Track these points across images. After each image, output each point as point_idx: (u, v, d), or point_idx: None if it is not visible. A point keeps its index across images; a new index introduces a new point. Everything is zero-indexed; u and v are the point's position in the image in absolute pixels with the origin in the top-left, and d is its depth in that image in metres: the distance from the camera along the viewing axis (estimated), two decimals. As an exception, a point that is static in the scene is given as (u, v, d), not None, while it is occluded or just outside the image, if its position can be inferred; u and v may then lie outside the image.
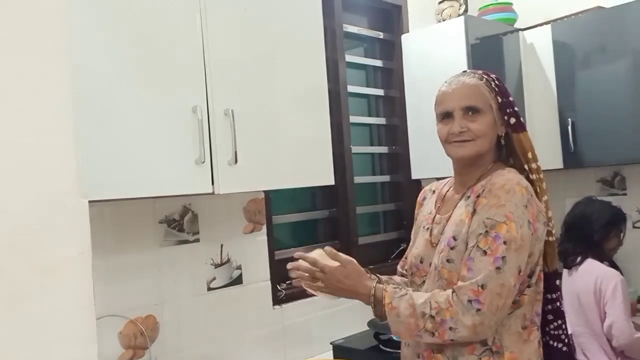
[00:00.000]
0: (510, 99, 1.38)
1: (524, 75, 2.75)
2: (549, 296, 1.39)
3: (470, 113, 1.34)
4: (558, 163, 2.76)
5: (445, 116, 1.38)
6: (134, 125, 1.36)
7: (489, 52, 2.63)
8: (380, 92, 2.75)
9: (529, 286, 1.30)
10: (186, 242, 1.83)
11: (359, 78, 2.72)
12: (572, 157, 2.71)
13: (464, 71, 1.43)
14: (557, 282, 1.40)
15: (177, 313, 1.79)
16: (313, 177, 1.81)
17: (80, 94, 1.26)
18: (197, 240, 1.86)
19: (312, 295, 2.18)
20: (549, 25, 2.77)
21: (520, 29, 2.80)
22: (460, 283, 1.24)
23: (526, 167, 1.36)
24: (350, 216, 2.45)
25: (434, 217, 1.44)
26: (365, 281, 1.35)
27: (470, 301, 1.21)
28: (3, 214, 0.83)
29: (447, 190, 1.47)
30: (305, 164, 1.75)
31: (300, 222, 2.40)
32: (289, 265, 1.41)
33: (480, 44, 2.52)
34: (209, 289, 1.88)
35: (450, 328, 1.22)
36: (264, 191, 2.06)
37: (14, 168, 0.85)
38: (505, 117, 1.35)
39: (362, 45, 2.78)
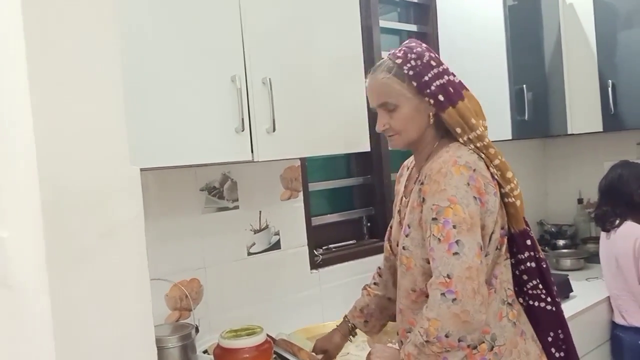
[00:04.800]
0: (428, 76, 1.33)
1: (563, 36, 2.68)
2: (520, 256, 1.39)
3: (388, 109, 1.37)
4: (598, 126, 2.71)
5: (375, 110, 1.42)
6: (175, 96, 1.40)
7: (527, 13, 2.57)
8: (414, 57, 2.73)
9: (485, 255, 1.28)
10: (226, 209, 1.88)
11: (393, 44, 2.70)
12: (612, 120, 2.65)
13: (388, 54, 1.39)
14: (528, 241, 1.38)
15: (219, 277, 1.86)
16: (350, 144, 1.83)
17: (124, 65, 1.30)
18: (237, 207, 1.91)
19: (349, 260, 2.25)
20: (590, -16, 2.69)
21: (560, -11, 2.73)
22: (431, 279, 1.24)
23: (461, 140, 1.34)
24: (385, 183, 2.47)
25: (401, 199, 1.47)
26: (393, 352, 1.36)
27: (443, 294, 1.20)
28: (67, 181, 0.88)
29: (412, 169, 1.49)
30: (341, 131, 1.77)
31: (336, 189, 2.44)
32: None
33: (518, 5, 2.47)
34: (249, 253, 1.94)
35: (446, 335, 1.20)
36: (300, 159, 2.09)
37: (75, 140, 0.90)
38: (426, 99, 1.33)
39: (396, 9, 2.75)
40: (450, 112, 1.33)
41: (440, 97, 1.33)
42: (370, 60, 2.42)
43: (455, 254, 1.20)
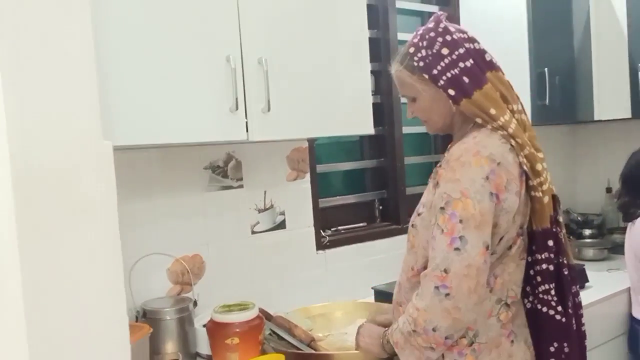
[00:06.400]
0: (437, 69, 1.26)
1: (592, 19, 2.57)
2: (537, 256, 1.32)
3: (410, 99, 1.37)
4: (626, 112, 2.60)
5: None
6: (170, 74, 1.42)
7: (553, -6, 2.47)
8: (435, 39, 2.67)
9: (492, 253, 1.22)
10: (230, 187, 1.91)
11: (413, 25, 2.65)
12: (642, 106, 2.55)
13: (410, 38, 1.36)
14: (550, 242, 1.31)
15: (221, 254, 1.89)
16: (352, 126, 1.81)
17: (117, 43, 1.34)
18: (241, 186, 1.94)
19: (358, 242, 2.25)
20: (623, -37, 2.56)
21: (590, -31, 2.60)
22: (427, 269, 1.21)
23: (489, 127, 1.26)
24: (398, 166, 2.45)
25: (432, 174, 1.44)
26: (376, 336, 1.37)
27: (437, 287, 1.16)
28: (37, 157, 0.91)
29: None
30: (343, 114, 1.76)
31: (349, 171, 2.43)
32: None
33: (542, -14, 2.37)
34: (253, 232, 1.97)
35: (433, 329, 1.17)
36: (308, 140, 2.09)
37: (45, 117, 0.92)
38: (442, 91, 1.28)
39: (417, -10, 2.69)
40: (464, 104, 1.26)
41: (451, 92, 1.27)
42: (385, 42, 2.40)
43: (457, 249, 1.15)
